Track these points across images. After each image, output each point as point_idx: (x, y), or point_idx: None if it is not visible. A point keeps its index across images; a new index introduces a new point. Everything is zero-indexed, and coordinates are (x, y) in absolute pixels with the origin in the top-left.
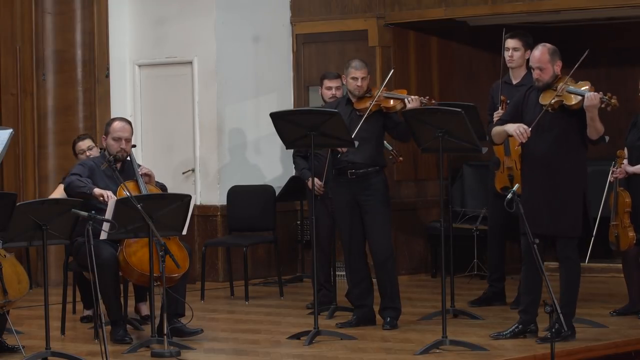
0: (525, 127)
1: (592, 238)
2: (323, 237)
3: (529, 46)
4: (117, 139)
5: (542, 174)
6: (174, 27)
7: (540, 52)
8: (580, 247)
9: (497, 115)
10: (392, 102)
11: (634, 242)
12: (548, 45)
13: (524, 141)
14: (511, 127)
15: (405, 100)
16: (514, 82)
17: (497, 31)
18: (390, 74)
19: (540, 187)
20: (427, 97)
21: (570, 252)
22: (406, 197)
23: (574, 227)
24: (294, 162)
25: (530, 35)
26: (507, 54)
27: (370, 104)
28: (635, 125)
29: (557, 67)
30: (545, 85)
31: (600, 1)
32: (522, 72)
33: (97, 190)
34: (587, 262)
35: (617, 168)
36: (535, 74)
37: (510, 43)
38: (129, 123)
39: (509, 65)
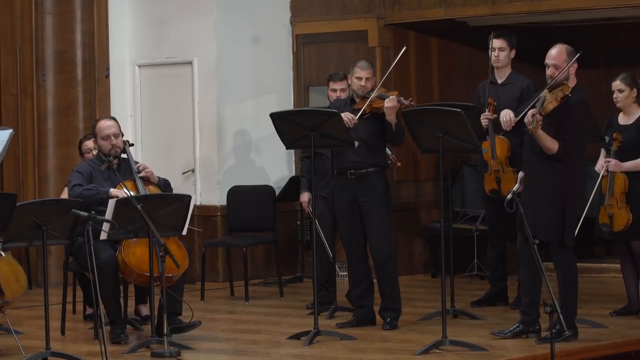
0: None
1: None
2: (326, 237)
3: (514, 46)
4: (106, 137)
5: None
6: (174, 28)
7: (558, 51)
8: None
9: (484, 117)
10: (383, 102)
11: (630, 223)
12: (566, 45)
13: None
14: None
15: (386, 99)
16: (499, 81)
17: None
18: (391, 68)
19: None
20: (410, 99)
21: (563, 255)
22: (406, 197)
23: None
24: (301, 163)
25: (514, 35)
26: (493, 54)
27: (364, 104)
28: (610, 125)
29: (573, 68)
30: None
31: (601, 1)
32: (507, 71)
33: (113, 191)
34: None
35: (613, 148)
36: (550, 71)
37: (496, 43)
38: (113, 119)
39: (494, 64)
